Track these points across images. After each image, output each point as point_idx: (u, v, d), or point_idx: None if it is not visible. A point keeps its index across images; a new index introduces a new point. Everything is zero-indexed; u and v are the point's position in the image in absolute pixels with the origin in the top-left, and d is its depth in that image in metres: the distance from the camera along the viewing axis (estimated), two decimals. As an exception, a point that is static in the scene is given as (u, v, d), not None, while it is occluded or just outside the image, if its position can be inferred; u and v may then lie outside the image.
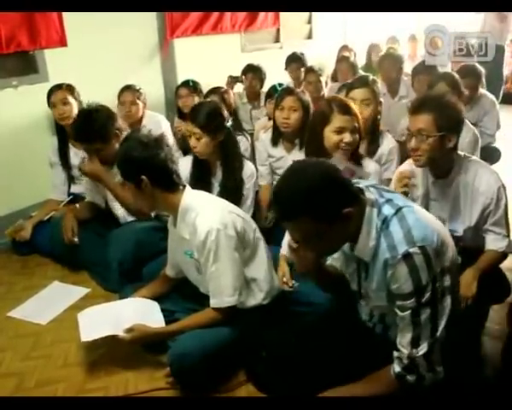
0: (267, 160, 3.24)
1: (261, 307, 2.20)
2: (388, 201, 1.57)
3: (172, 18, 4.54)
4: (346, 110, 2.37)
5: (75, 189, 3.45)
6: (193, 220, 2.06)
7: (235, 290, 2.08)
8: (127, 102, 3.62)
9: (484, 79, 4.00)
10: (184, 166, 2.70)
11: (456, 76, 3.30)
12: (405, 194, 2.13)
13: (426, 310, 1.49)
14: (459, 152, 2.18)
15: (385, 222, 1.53)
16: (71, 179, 3.48)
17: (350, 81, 3.33)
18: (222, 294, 2.07)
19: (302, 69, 4.84)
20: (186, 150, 2.79)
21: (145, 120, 3.70)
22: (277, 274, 2.34)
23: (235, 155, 2.80)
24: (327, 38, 6.48)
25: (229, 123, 2.73)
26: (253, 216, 2.67)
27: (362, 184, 1.63)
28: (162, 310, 2.31)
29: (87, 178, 3.04)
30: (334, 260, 1.88)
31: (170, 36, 4.57)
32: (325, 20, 6.57)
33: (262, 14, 5.58)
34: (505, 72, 6.09)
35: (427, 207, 2.16)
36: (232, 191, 2.72)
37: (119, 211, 2.99)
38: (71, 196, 3.43)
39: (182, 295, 2.40)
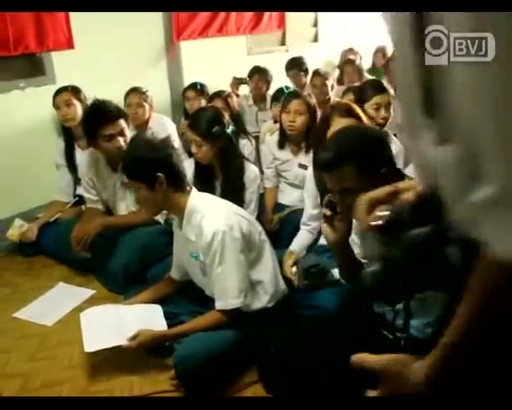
0: (273, 162, 3.24)
1: (266, 309, 2.20)
2: None
3: (179, 20, 4.55)
4: (347, 113, 2.38)
5: (81, 190, 3.45)
6: (199, 222, 2.07)
7: (240, 292, 2.08)
8: (133, 104, 3.64)
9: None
10: (188, 168, 2.71)
11: None
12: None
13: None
14: None
15: None
16: (77, 181, 3.48)
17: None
18: (227, 296, 2.07)
19: (302, 73, 4.82)
20: (191, 153, 2.80)
21: (151, 123, 3.71)
22: (284, 270, 2.34)
23: (235, 159, 2.80)
24: (332, 41, 6.48)
25: (229, 129, 2.73)
26: (258, 219, 2.67)
27: None
28: (166, 313, 2.32)
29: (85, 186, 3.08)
30: (356, 248, 1.90)
31: (176, 38, 4.58)
32: (331, 23, 6.57)
33: (267, 17, 5.59)
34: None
35: None
36: (233, 196, 2.72)
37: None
38: (76, 198, 3.44)
39: (186, 297, 2.40)
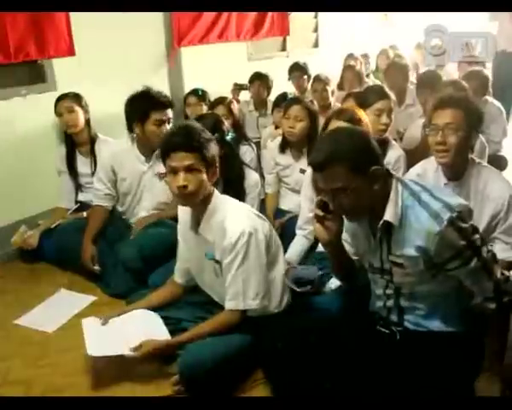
0: (274, 168, 3.25)
1: (272, 315, 2.20)
2: (411, 180, 1.78)
3: (179, 27, 4.56)
4: (348, 118, 2.40)
5: (82, 197, 3.47)
6: (220, 222, 2.07)
7: (257, 295, 2.09)
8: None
9: (490, 88, 4.00)
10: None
11: (463, 83, 3.30)
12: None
13: (483, 248, 1.66)
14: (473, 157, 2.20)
15: (414, 195, 1.69)
16: (78, 187, 3.49)
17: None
18: (244, 296, 2.07)
19: (305, 77, 4.89)
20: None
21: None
22: None
23: (235, 166, 2.80)
24: (333, 47, 6.49)
25: (229, 136, 2.73)
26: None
27: None
28: (168, 318, 2.32)
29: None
30: (347, 245, 1.94)
31: (177, 45, 4.59)
32: (331, 29, 6.59)
33: (269, 24, 5.60)
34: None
35: None
36: None
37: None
38: (78, 204, 3.45)
39: (189, 303, 2.40)
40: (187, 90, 4.23)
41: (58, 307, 2.82)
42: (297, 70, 4.95)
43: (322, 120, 2.85)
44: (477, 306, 1.73)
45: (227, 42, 5.13)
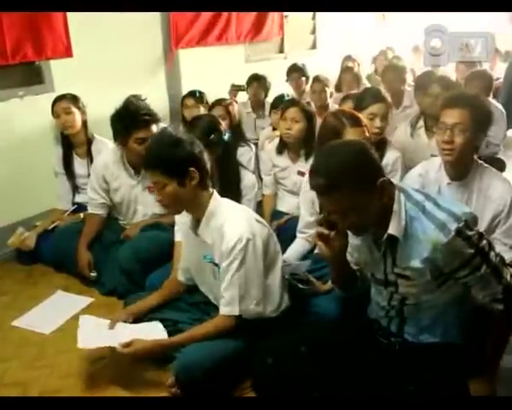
0: (271, 170, 3.25)
1: (269, 319, 2.19)
2: (412, 189, 1.74)
3: (177, 29, 4.56)
4: (357, 123, 2.39)
5: (79, 198, 3.46)
6: (220, 226, 2.06)
7: (252, 301, 2.08)
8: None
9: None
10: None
11: (452, 79, 3.31)
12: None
13: (490, 252, 1.65)
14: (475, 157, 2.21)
15: (419, 205, 1.65)
16: (75, 189, 3.49)
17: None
18: (240, 302, 2.05)
19: (303, 78, 4.91)
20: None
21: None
22: None
23: (232, 167, 2.79)
24: (331, 49, 6.50)
25: (226, 136, 2.73)
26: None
27: None
28: (165, 319, 2.31)
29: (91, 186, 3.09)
30: (348, 256, 1.91)
31: (175, 47, 4.59)
32: (329, 31, 6.60)
33: (267, 25, 5.61)
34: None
35: None
36: None
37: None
38: (75, 206, 3.44)
39: (188, 304, 2.40)
40: (185, 91, 4.23)
41: (55, 309, 2.82)
42: (295, 71, 4.97)
43: (320, 121, 2.84)
44: (485, 305, 1.71)
45: (225, 44, 5.14)
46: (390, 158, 2.84)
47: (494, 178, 2.19)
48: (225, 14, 5.02)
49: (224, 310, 2.09)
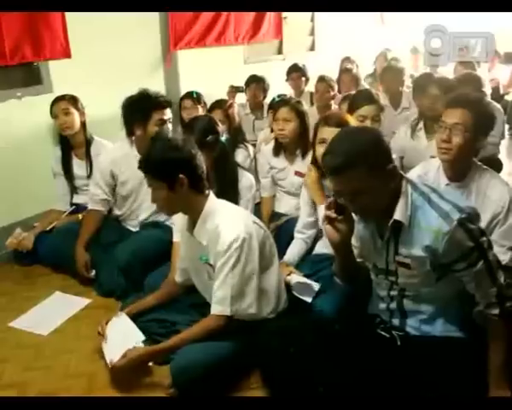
0: (269, 172, 3.25)
1: (266, 320, 2.19)
2: (419, 181, 1.80)
3: (176, 30, 4.56)
4: (331, 122, 2.41)
5: (78, 199, 3.46)
6: (215, 227, 2.06)
7: (245, 301, 2.07)
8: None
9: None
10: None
11: (450, 81, 3.32)
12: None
13: (488, 251, 1.67)
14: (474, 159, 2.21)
15: (425, 195, 1.70)
16: (73, 190, 3.48)
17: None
18: (231, 302, 2.05)
19: (303, 79, 4.96)
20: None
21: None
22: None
23: (229, 168, 2.78)
24: (329, 50, 6.50)
25: (223, 137, 2.72)
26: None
27: None
28: (163, 321, 2.32)
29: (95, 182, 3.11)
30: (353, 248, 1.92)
31: (173, 47, 4.59)
32: (327, 32, 6.61)
33: (266, 26, 5.62)
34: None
35: None
36: None
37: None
38: (73, 207, 3.44)
39: (184, 306, 2.40)
40: (183, 92, 4.22)
41: (53, 310, 2.81)
42: (295, 71, 5.00)
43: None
44: (481, 313, 1.72)
45: (224, 45, 5.14)
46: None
47: (493, 179, 2.20)
48: (224, 15, 5.02)
49: (215, 309, 2.08)
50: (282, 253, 2.63)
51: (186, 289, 2.43)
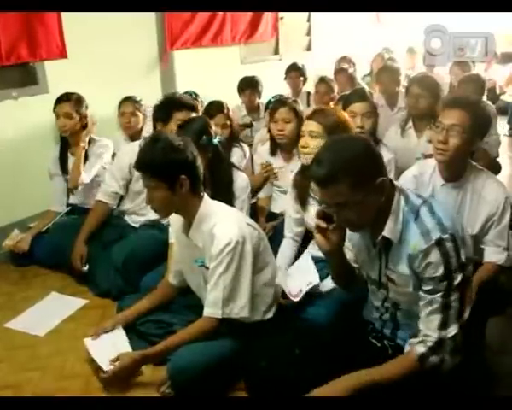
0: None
1: (263, 321, 2.19)
2: (413, 193, 1.71)
3: (172, 30, 4.56)
4: (309, 117, 2.46)
5: (73, 200, 3.45)
6: (210, 229, 2.06)
7: (237, 304, 2.07)
8: (127, 113, 3.63)
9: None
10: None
11: (435, 80, 3.34)
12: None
13: (455, 293, 1.58)
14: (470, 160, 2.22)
15: (414, 210, 1.64)
16: (69, 190, 3.46)
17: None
18: (223, 304, 2.04)
19: (301, 79, 4.99)
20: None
21: (145, 132, 3.69)
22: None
23: (224, 168, 2.77)
24: (326, 50, 6.51)
25: (217, 139, 2.72)
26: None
27: None
28: (159, 322, 2.32)
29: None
30: (349, 253, 1.90)
31: (169, 47, 4.59)
32: (324, 33, 6.61)
33: (261, 27, 5.62)
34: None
35: None
36: None
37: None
38: (69, 208, 3.43)
39: (180, 307, 2.39)
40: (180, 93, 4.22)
41: (49, 311, 2.81)
42: (294, 71, 5.03)
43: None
44: (411, 344, 1.66)
45: (221, 45, 5.14)
46: (384, 159, 2.84)
47: (488, 179, 2.20)
48: (220, 15, 5.03)
49: (206, 311, 2.08)
50: (277, 253, 2.63)
51: (182, 291, 2.42)
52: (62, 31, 3.66)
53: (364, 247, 1.81)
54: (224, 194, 2.63)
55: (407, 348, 1.68)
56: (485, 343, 2.27)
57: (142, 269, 2.78)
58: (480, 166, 2.26)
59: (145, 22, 4.40)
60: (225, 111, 3.33)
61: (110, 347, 2.19)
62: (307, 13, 6.50)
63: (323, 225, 1.70)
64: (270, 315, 2.22)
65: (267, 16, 5.67)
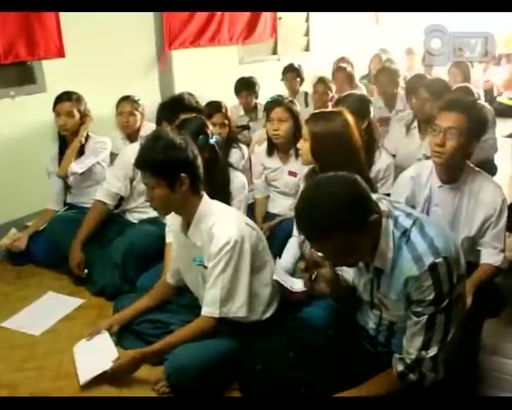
0: (262, 173, 3.24)
1: (260, 321, 2.20)
2: (402, 212, 1.64)
3: (170, 29, 4.56)
4: (307, 120, 2.44)
5: (71, 199, 3.44)
6: (209, 228, 2.06)
7: (235, 304, 2.07)
8: (125, 112, 3.61)
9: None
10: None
11: (442, 83, 3.35)
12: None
13: (441, 316, 1.55)
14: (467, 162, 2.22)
15: (405, 233, 1.58)
16: (67, 189, 3.46)
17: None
18: (221, 304, 2.05)
19: (298, 79, 4.98)
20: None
21: (143, 131, 3.67)
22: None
23: (220, 169, 2.77)
24: (324, 51, 6.52)
25: (213, 139, 2.71)
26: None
27: (373, 196, 1.63)
28: (157, 321, 2.32)
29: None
30: (346, 274, 1.89)
31: (168, 47, 4.59)
32: (322, 33, 6.62)
33: (259, 27, 5.62)
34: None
35: (427, 213, 2.20)
36: None
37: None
38: (66, 207, 3.43)
39: (177, 307, 2.40)
40: (177, 92, 4.21)
41: (45, 310, 2.81)
42: (291, 71, 5.02)
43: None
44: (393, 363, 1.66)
45: (219, 45, 5.14)
46: (382, 164, 2.86)
47: (485, 181, 2.20)
48: (218, 15, 5.02)
49: (204, 311, 2.08)
50: (275, 253, 2.63)
51: (179, 290, 2.42)
52: (60, 30, 3.66)
53: (357, 270, 1.81)
54: (221, 194, 2.62)
55: (393, 362, 1.67)
56: (480, 345, 2.28)
57: (140, 264, 2.80)
58: (478, 169, 2.27)
59: (143, 22, 4.39)
60: (223, 110, 3.32)
61: (96, 356, 2.20)
62: (306, 13, 6.49)
63: (313, 277, 1.73)
64: (268, 315, 2.22)
65: (265, 16, 5.66)
